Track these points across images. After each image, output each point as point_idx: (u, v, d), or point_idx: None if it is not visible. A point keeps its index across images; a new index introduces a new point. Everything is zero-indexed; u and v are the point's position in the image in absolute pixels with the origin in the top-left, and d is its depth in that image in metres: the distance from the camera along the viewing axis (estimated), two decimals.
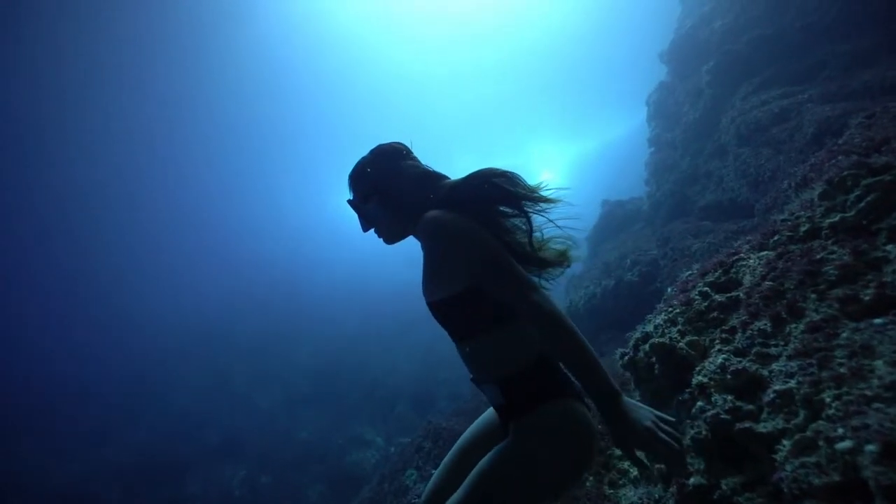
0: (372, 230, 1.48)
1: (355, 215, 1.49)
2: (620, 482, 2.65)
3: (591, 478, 2.85)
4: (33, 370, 23.54)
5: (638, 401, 2.24)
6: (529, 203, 1.28)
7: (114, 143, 25.20)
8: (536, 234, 1.31)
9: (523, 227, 1.31)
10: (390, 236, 1.45)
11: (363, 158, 1.47)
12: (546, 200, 1.29)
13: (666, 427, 1.08)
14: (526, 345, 1.24)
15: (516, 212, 1.29)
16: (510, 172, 1.30)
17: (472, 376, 1.36)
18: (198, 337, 22.95)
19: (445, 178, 1.40)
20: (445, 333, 1.35)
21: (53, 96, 20.73)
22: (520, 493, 1.16)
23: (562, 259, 1.36)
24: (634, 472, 2.56)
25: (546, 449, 1.16)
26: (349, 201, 1.47)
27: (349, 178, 1.46)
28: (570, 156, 45.92)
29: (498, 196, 1.27)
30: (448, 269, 1.23)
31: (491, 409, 1.46)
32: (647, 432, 1.05)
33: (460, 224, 1.19)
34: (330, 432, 12.37)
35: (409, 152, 1.46)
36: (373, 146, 1.49)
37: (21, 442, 14.22)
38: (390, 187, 1.39)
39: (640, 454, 1.11)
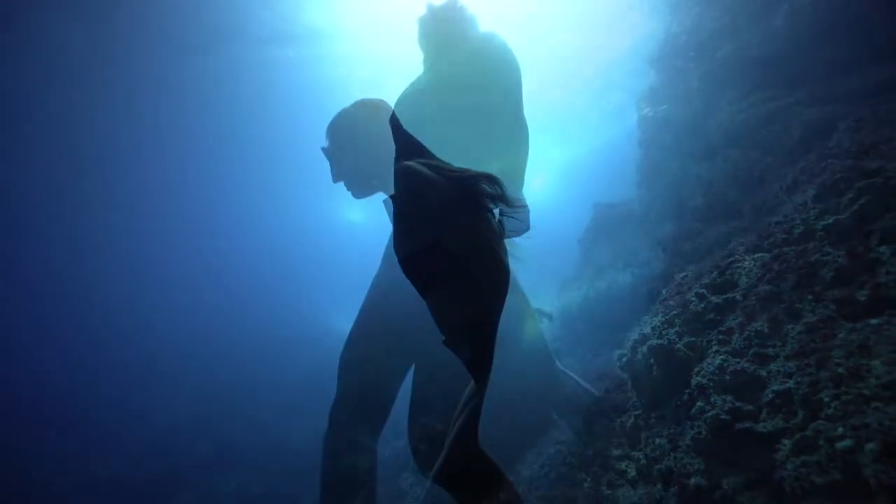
0: (342, 183, 1.46)
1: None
2: (618, 482, 2.65)
3: (588, 479, 2.86)
4: (21, 378, 23.16)
5: (634, 402, 2.26)
6: (503, 206, 1.30)
7: (111, 149, 24.86)
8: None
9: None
10: (360, 190, 1.44)
11: (346, 109, 1.45)
12: (519, 206, 1.31)
13: None
14: (489, 296, 1.22)
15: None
16: (491, 174, 1.32)
17: (443, 338, 1.36)
18: (189, 345, 22.67)
19: (427, 150, 1.40)
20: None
21: (47, 95, 20.38)
22: None
23: None
24: (632, 472, 2.57)
25: None
26: (324, 149, 1.45)
27: (328, 127, 1.44)
28: (560, 159, 46.12)
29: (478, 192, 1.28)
30: (416, 217, 1.23)
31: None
32: None
33: (428, 174, 1.19)
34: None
35: (392, 112, 1.47)
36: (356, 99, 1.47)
37: (9, 451, 13.96)
38: (368, 143, 1.38)
39: None
